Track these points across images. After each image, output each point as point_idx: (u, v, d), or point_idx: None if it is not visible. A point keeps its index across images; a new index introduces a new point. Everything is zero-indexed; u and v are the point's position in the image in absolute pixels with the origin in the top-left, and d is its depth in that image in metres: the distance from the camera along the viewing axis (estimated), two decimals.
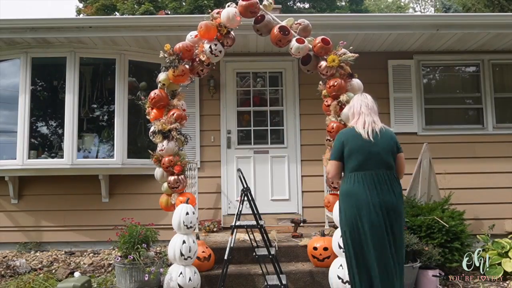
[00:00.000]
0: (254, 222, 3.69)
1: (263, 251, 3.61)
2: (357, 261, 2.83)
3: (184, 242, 3.61)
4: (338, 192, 3.05)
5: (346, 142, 2.89)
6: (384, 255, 2.75)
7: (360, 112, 2.96)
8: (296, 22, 4.02)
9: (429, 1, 26.00)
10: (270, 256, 3.56)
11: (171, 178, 3.84)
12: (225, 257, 3.56)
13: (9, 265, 4.79)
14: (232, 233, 3.61)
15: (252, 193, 4.28)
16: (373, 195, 2.78)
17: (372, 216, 2.76)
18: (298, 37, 3.94)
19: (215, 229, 5.25)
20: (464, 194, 5.34)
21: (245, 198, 3.74)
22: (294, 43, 3.92)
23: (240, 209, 3.74)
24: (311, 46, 3.95)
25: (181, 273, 3.58)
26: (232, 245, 3.56)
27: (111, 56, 5.47)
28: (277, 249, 4.32)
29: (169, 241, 3.71)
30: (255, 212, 3.83)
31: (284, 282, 3.50)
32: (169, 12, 16.18)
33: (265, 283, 3.54)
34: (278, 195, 5.68)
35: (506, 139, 5.72)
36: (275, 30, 3.91)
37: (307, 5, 19.83)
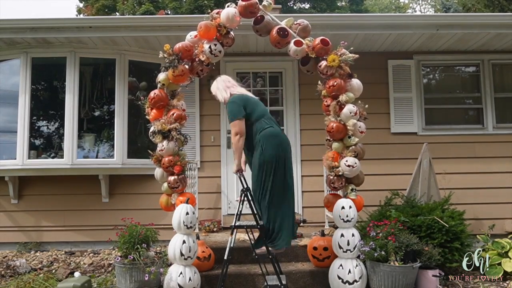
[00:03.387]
0: (254, 222, 3.69)
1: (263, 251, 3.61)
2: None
3: (184, 242, 3.61)
4: (262, 135, 3.69)
5: (245, 104, 3.71)
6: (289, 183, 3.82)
7: (230, 86, 3.90)
8: (295, 22, 4.02)
9: (429, 1, 26.00)
10: (270, 256, 3.55)
11: (171, 178, 3.84)
12: (225, 257, 3.56)
13: (9, 265, 4.79)
14: (232, 233, 3.62)
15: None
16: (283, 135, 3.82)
17: (288, 151, 3.82)
18: (296, 39, 3.93)
19: (215, 229, 5.25)
20: (464, 194, 5.34)
21: (245, 198, 3.74)
22: (292, 46, 3.92)
23: (240, 209, 3.74)
24: (311, 45, 3.94)
25: (181, 273, 3.58)
26: (232, 245, 3.56)
27: (111, 56, 5.48)
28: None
29: (169, 241, 3.71)
30: (255, 212, 3.83)
31: (284, 282, 3.50)
32: (169, 12, 16.19)
33: (265, 283, 3.54)
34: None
35: (506, 139, 5.72)
36: (274, 32, 3.90)
37: (307, 5, 19.84)
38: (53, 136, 5.64)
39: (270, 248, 3.60)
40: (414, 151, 5.21)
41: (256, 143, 3.68)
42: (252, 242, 3.79)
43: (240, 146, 3.66)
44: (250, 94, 3.89)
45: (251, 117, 3.71)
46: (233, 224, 3.65)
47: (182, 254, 3.58)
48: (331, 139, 4.01)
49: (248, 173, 3.87)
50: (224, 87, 3.88)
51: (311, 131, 5.65)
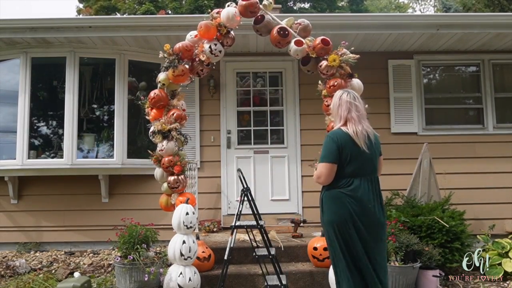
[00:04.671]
0: (254, 222, 3.68)
1: (263, 251, 3.61)
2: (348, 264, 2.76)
3: (184, 242, 3.60)
4: (325, 195, 2.86)
5: (344, 147, 2.75)
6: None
7: (349, 118, 2.83)
8: (296, 22, 4.01)
9: (429, 1, 26.00)
10: (270, 257, 3.55)
11: (171, 178, 3.83)
12: (225, 257, 3.56)
13: (9, 265, 4.79)
14: (232, 233, 3.61)
15: (252, 193, 4.28)
16: (368, 204, 2.75)
17: (360, 225, 2.72)
18: (297, 38, 3.92)
19: (215, 229, 5.25)
20: (464, 194, 5.34)
21: (245, 198, 3.74)
22: (292, 46, 3.91)
23: (240, 209, 3.74)
24: (311, 45, 3.93)
25: (181, 273, 3.57)
26: (232, 245, 3.56)
27: (111, 56, 5.47)
28: (283, 249, 4.32)
29: (169, 241, 3.71)
30: (255, 212, 3.82)
31: (284, 282, 3.50)
32: (170, 12, 16.17)
33: (265, 283, 3.54)
34: (278, 195, 5.68)
35: (506, 139, 5.72)
36: (274, 32, 3.89)
37: (307, 5, 19.83)
38: (53, 136, 5.63)
39: None
40: (414, 151, 5.20)
41: (320, 198, 2.91)
42: (253, 242, 3.79)
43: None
44: (360, 139, 2.76)
45: (342, 167, 2.77)
46: (233, 224, 3.64)
47: (182, 254, 3.58)
48: None
49: (248, 174, 3.85)
50: (343, 115, 2.87)
51: (311, 131, 5.64)
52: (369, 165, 2.81)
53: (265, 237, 3.76)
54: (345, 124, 2.83)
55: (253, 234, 3.90)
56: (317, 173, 2.82)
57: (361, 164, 2.76)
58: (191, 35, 3.99)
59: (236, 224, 3.64)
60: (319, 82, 4.09)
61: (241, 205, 3.74)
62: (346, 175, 2.76)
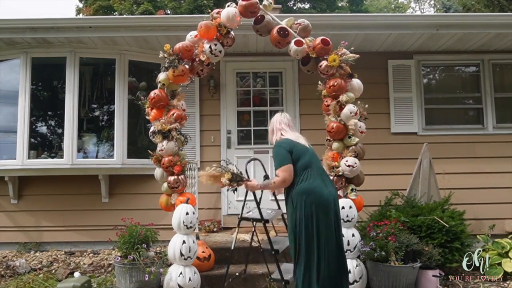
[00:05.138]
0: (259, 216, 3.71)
1: (265, 246, 3.65)
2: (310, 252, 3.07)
3: (184, 242, 3.61)
4: (293, 193, 3.14)
5: (292, 147, 3.22)
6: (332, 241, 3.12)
7: (282, 128, 3.41)
8: (296, 22, 4.01)
9: (429, 1, 26.01)
10: (273, 252, 3.56)
11: (171, 178, 3.83)
12: (232, 247, 3.65)
13: (9, 265, 4.79)
14: (238, 224, 3.70)
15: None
16: (328, 188, 3.16)
17: (330, 206, 3.10)
18: (297, 39, 3.92)
19: (215, 229, 5.26)
20: (464, 194, 5.34)
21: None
22: (292, 46, 3.91)
23: (245, 200, 3.79)
24: (311, 45, 3.94)
25: (181, 273, 3.57)
26: (235, 240, 3.61)
27: (111, 56, 5.47)
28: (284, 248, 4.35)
29: (169, 241, 3.71)
30: (258, 207, 3.84)
31: (286, 278, 3.51)
32: (169, 12, 16.17)
33: (269, 277, 3.61)
34: (278, 195, 5.67)
35: (506, 139, 5.72)
36: (274, 32, 3.89)
37: (307, 6, 19.84)
38: (53, 136, 5.64)
39: None
40: (414, 151, 5.21)
41: (289, 198, 3.19)
42: (254, 238, 3.82)
43: (278, 188, 3.29)
44: (300, 141, 3.32)
45: (296, 163, 3.19)
46: (239, 217, 3.74)
47: (182, 254, 3.58)
48: (331, 139, 4.01)
49: (248, 174, 3.85)
50: (276, 128, 3.45)
51: (311, 131, 5.59)
52: (315, 157, 3.28)
53: (267, 233, 3.77)
54: (281, 134, 3.38)
55: (255, 229, 3.91)
56: (281, 179, 3.13)
57: (309, 157, 3.22)
58: (191, 35, 3.99)
59: (243, 216, 3.72)
60: (319, 82, 4.10)
61: (246, 199, 3.80)
62: (301, 168, 3.16)
